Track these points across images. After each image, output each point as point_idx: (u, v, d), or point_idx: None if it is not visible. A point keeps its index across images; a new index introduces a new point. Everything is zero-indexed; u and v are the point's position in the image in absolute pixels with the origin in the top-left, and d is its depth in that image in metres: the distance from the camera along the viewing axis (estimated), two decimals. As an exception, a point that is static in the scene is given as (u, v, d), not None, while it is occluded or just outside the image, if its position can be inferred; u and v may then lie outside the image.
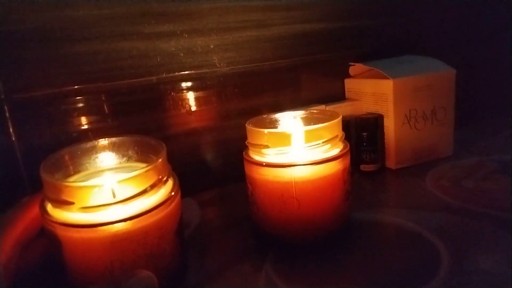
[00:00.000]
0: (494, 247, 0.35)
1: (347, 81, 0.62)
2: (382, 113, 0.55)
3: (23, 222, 0.29)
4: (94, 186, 0.27)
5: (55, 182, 0.28)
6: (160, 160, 0.30)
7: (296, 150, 0.36)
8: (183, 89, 0.53)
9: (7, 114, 0.45)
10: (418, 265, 0.34)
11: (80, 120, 0.49)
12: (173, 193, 0.31)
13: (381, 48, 0.65)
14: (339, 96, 0.63)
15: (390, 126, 0.55)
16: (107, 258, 0.27)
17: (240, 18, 0.54)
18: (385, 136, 0.56)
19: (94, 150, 0.34)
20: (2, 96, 0.44)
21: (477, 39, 0.74)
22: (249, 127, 0.38)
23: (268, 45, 0.57)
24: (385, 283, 0.32)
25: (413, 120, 0.55)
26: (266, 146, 0.36)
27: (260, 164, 0.36)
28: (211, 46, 0.53)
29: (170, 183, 0.32)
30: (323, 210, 0.36)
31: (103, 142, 0.34)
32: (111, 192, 0.28)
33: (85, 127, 0.49)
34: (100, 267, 0.27)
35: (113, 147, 0.34)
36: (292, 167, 0.35)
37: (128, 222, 0.27)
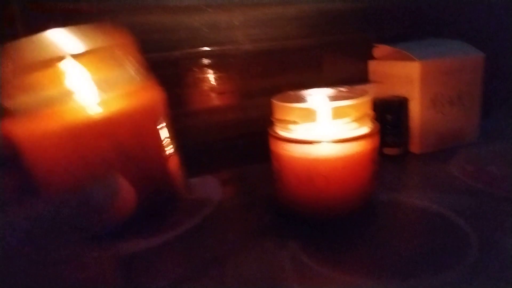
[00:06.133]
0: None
1: (371, 63, 0.61)
2: (407, 96, 0.54)
3: None
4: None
5: None
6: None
7: (325, 126, 0.35)
8: (205, 65, 0.52)
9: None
10: (446, 246, 0.33)
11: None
12: (146, 84, 0.27)
13: (406, 31, 0.64)
14: (363, 79, 0.62)
15: (415, 109, 0.53)
16: (66, 155, 0.24)
17: (265, -5, 0.53)
18: (410, 120, 0.54)
19: None
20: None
21: (508, 25, 0.72)
22: (276, 102, 0.37)
23: (292, 23, 0.55)
24: (415, 263, 0.31)
25: (439, 104, 0.54)
26: (295, 122, 0.35)
27: (288, 140, 0.36)
28: (235, 23, 0.52)
29: (142, 75, 0.28)
30: (351, 189, 0.35)
31: None
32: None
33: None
34: (61, 167, 0.24)
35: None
36: (321, 144, 0.34)
37: (91, 110, 0.23)
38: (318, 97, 0.39)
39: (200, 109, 0.53)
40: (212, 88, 0.53)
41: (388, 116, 0.53)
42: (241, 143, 0.55)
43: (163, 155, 0.27)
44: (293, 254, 0.34)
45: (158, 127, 0.27)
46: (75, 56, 0.23)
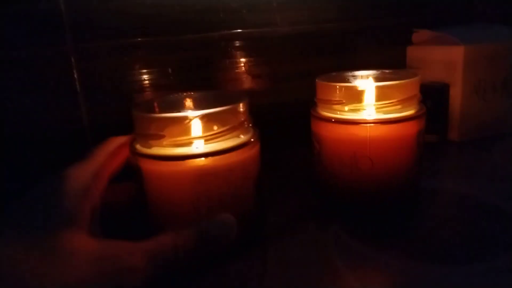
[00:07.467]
0: None
1: (409, 49, 0.60)
2: (448, 82, 0.52)
3: (111, 154, 0.29)
4: (184, 118, 0.29)
5: (148, 116, 0.30)
6: (241, 103, 0.31)
7: (371, 107, 0.35)
8: (243, 47, 0.51)
9: (73, 64, 0.45)
10: (495, 234, 0.32)
11: (141, 74, 0.48)
12: (253, 139, 0.31)
13: (448, 16, 0.62)
14: (400, 65, 0.60)
15: (456, 95, 0.52)
16: (193, 193, 0.28)
17: (304, -24, 0.52)
18: (449, 106, 0.53)
19: (178, 102, 0.35)
20: (70, 46, 0.45)
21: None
22: (321, 82, 0.37)
23: (331, 6, 0.54)
24: (461, 249, 0.30)
25: (481, 90, 0.52)
26: (341, 102, 0.35)
27: (332, 120, 0.35)
28: (274, 4, 0.51)
29: (252, 130, 0.33)
30: (396, 171, 0.35)
31: (187, 95, 0.35)
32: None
33: (146, 81, 0.49)
34: (187, 202, 0.28)
35: (196, 100, 0.35)
36: (368, 124, 0.33)
37: (215, 157, 0.28)
38: (363, 78, 0.38)
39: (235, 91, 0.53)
40: (248, 71, 0.53)
41: (428, 102, 0.51)
42: (277, 127, 0.55)
43: (258, 193, 0.33)
44: (337, 236, 0.33)
45: (257, 171, 0.32)
46: (202, 116, 0.29)
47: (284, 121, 0.54)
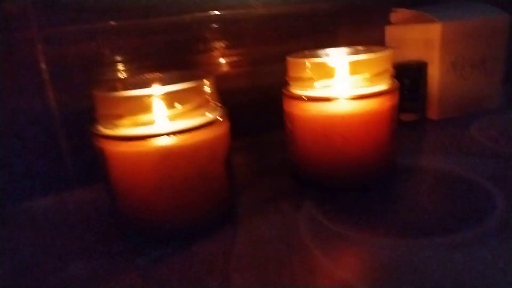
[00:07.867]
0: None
1: (388, 28, 0.59)
2: (426, 61, 0.52)
3: None
4: (146, 96, 0.28)
5: (108, 95, 0.29)
6: (205, 81, 0.30)
7: (343, 83, 0.34)
8: (216, 30, 0.50)
9: (39, 50, 0.44)
10: (471, 208, 0.32)
11: (111, 59, 0.47)
12: (221, 119, 0.31)
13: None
14: (379, 45, 0.59)
15: (434, 74, 0.51)
16: (157, 173, 0.28)
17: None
18: (428, 85, 0.52)
19: (143, 82, 0.34)
20: (35, 31, 0.43)
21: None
22: (291, 59, 0.36)
23: (307, -15, 0.53)
24: (439, 224, 0.30)
25: (459, 68, 0.52)
26: (311, 79, 0.34)
27: (303, 98, 0.34)
28: (248, -15, 0.50)
29: (219, 110, 0.32)
30: (369, 148, 0.34)
31: (152, 76, 0.35)
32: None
33: (117, 65, 0.47)
34: (150, 183, 0.28)
35: (161, 81, 0.34)
36: (338, 101, 0.33)
37: (179, 136, 0.28)
38: (334, 56, 0.37)
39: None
40: (223, 54, 0.52)
41: (406, 80, 0.51)
42: (253, 111, 0.54)
43: (227, 175, 0.32)
44: (309, 215, 0.33)
45: (226, 152, 0.32)
46: (163, 95, 0.28)
47: (261, 104, 0.53)
